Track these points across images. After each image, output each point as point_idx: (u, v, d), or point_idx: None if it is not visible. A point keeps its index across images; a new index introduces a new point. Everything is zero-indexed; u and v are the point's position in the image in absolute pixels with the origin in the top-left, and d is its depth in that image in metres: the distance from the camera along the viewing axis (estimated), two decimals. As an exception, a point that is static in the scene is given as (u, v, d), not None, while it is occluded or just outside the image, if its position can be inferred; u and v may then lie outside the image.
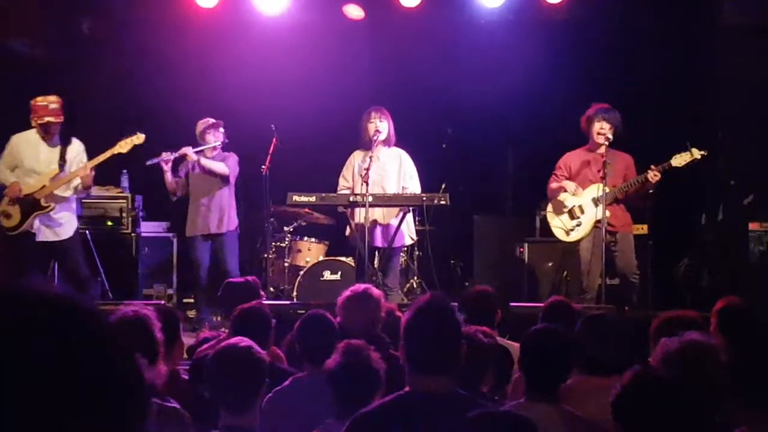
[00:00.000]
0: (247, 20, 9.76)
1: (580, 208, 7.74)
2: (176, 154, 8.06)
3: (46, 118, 7.53)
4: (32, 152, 7.66)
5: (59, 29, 9.95)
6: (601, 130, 7.63)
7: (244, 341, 3.32)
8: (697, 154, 7.38)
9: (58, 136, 7.67)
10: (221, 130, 8.36)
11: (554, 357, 3.61)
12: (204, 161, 8.14)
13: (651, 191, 7.54)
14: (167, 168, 8.08)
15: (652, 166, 7.44)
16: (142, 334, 3.48)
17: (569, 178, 7.86)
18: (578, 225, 7.74)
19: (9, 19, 9.20)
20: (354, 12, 9.90)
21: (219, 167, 8.18)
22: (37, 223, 7.58)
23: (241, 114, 9.25)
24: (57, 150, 7.66)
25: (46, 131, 7.59)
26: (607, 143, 7.60)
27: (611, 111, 7.70)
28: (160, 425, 3.26)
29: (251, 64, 9.72)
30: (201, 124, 8.37)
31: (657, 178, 7.41)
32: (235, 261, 8.26)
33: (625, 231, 7.76)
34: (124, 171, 9.25)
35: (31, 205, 7.57)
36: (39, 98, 7.59)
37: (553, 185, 7.95)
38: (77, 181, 7.64)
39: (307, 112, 9.56)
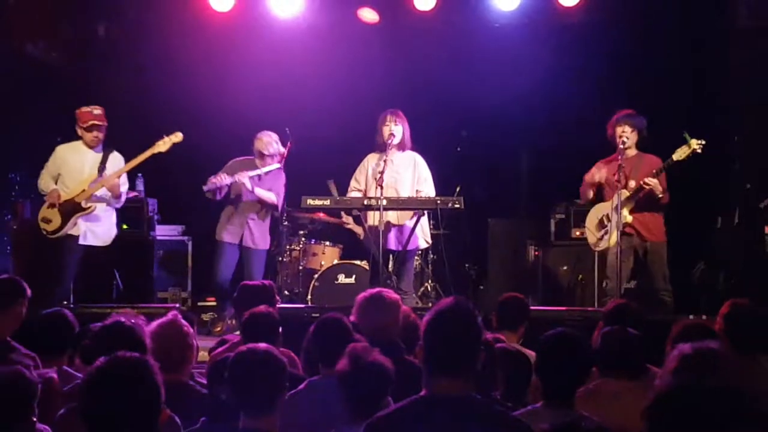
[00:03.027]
0: (262, 23, 9.78)
1: (607, 217, 7.73)
2: (232, 180, 8.03)
3: (91, 122, 7.77)
4: (78, 161, 7.87)
5: (75, 33, 10.01)
6: (622, 134, 7.61)
7: (263, 345, 3.34)
8: (695, 144, 7.33)
9: (102, 145, 7.89)
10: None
11: (570, 362, 3.60)
12: (258, 191, 8.10)
13: (660, 195, 7.51)
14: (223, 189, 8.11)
15: (646, 179, 7.43)
16: (133, 342, 3.50)
17: (601, 186, 7.84)
18: (606, 233, 7.73)
19: (26, 24, 9.25)
20: (368, 15, 9.91)
21: (269, 198, 8.14)
22: (82, 226, 7.77)
23: (256, 117, 9.27)
24: (100, 157, 7.86)
25: (91, 136, 7.78)
26: (623, 146, 7.57)
27: (634, 116, 7.68)
28: None
29: (266, 67, 9.74)
30: (268, 137, 8.23)
31: (650, 185, 7.40)
32: (260, 275, 8.24)
33: (656, 239, 7.69)
34: (140, 174, 9.29)
35: (71, 208, 7.76)
36: (83, 107, 7.84)
37: (582, 189, 7.94)
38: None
39: (321, 116, 9.58)
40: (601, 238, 7.78)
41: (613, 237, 7.57)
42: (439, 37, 9.87)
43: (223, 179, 8.02)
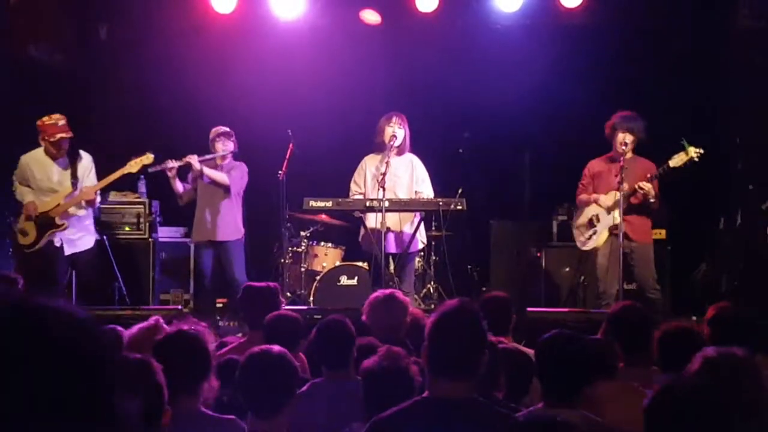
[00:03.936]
0: (264, 25, 9.79)
1: (596, 217, 7.72)
2: (180, 163, 8.08)
3: (59, 135, 7.74)
4: (44, 172, 7.87)
5: (78, 36, 10.01)
6: (625, 140, 7.57)
7: (277, 348, 3.33)
8: (693, 153, 7.30)
9: (66, 152, 7.87)
10: (232, 139, 8.33)
11: (569, 362, 3.59)
12: (206, 171, 8.14)
13: (652, 200, 7.49)
14: (171, 175, 8.11)
15: (639, 183, 7.41)
16: (197, 350, 3.50)
17: (593, 186, 7.83)
18: (594, 233, 7.72)
19: (28, 26, 9.25)
20: (370, 17, 9.91)
21: (220, 178, 8.17)
22: (59, 239, 7.80)
23: (258, 119, 9.28)
24: (68, 167, 7.86)
25: (58, 148, 7.78)
26: (623, 152, 7.56)
27: (635, 120, 7.64)
28: None
29: (268, 69, 9.74)
30: (212, 132, 8.37)
31: (644, 190, 7.39)
32: (241, 269, 8.22)
33: (642, 241, 7.67)
34: (141, 177, 9.28)
35: (46, 223, 7.79)
36: (45, 118, 7.78)
37: (583, 197, 7.91)
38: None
39: (323, 118, 9.58)
40: (589, 238, 7.77)
41: (602, 237, 7.56)
42: (441, 38, 9.87)
43: (168, 163, 8.04)
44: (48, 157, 7.85)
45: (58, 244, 7.79)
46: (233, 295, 8.10)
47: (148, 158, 7.88)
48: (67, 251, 7.83)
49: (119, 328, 4.48)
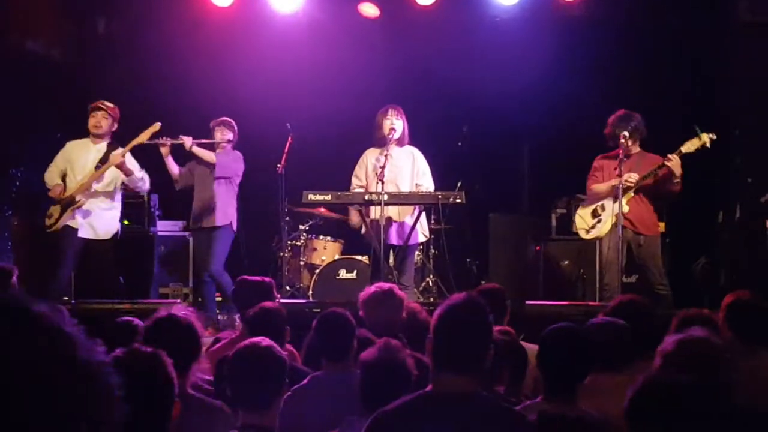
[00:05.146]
0: (263, 19, 9.78)
1: (601, 207, 7.70)
2: (174, 141, 8.09)
3: (99, 103, 7.89)
4: (83, 157, 7.92)
5: (76, 30, 10.00)
6: (624, 140, 7.51)
7: (264, 341, 3.34)
8: (706, 138, 7.29)
9: (108, 140, 7.95)
10: (232, 129, 8.32)
11: (572, 356, 3.59)
12: (195, 149, 8.16)
13: (677, 180, 7.43)
14: (165, 152, 8.10)
15: (668, 155, 7.39)
16: (187, 331, 3.54)
17: (603, 177, 7.80)
18: (598, 222, 7.70)
19: (26, 21, 9.24)
20: (369, 10, 9.90)
21: (207, 156, 8.18)
22: (80, 219, 7.79)
23: (257, 113, 9.26)
24: (103, 151, 7.88)
25: (93, 123, 7.87)
26: (633, 148, 7.54)
27: (629, 119, 7.58)
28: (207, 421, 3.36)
29: (266, 62, 9.73)
30: (213, 122, 8.43)
31: (673, 161, 7.33)
32: (218, 256, 8.09)
33: (651, 234, 7.65)
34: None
35: (67, 202, 7.81)
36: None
37: (594, 186, 7.85)
38: (114, 175, 7.88)
39: (322, 111, 9.56)
40: (593, 227, 7.74)
41: (606, 226, 7.54)
42: (440, 31, 9.86)
43: (164, 140, 8.07)
44: (90, 142, 7.95)
45: (75, 226, 7.78)
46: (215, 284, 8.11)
47: (156, 127, 7.91)
48: (81, 233, 7.79)
49: (136, 320, 4.48)
